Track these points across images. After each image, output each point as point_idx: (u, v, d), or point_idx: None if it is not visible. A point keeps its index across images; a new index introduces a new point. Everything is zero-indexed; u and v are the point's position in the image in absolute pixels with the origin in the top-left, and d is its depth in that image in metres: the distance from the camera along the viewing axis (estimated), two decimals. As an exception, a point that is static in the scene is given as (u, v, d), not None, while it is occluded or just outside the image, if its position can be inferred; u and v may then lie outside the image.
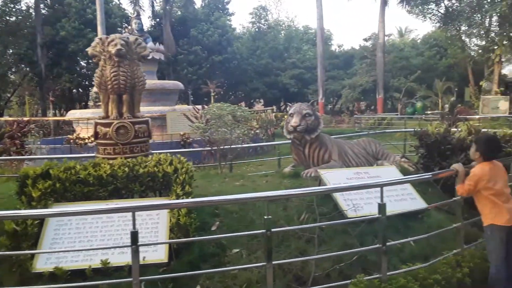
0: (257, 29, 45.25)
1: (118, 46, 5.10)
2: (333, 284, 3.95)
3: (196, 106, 9.77)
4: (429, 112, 26.43)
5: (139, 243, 3.34)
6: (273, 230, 3.65)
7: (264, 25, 45.67)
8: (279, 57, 41.44)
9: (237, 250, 4.37)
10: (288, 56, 41.51)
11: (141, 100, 5.68)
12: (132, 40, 5.34)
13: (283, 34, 45.37)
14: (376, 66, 34.52)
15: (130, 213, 3.36)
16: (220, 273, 4.00)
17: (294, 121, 6.03)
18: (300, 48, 42.44)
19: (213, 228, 4.55)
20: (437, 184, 6.29)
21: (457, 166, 4.51)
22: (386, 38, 37.99)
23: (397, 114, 27.04)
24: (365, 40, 41.68)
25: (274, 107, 32.02)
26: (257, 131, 14.95)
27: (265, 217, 3.54)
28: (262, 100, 43.86)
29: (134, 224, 3.31)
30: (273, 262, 3.67)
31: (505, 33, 33.46)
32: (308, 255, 4.25)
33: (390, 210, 4.81)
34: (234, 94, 42.54)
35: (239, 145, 8.05)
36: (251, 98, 42.69)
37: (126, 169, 4.59)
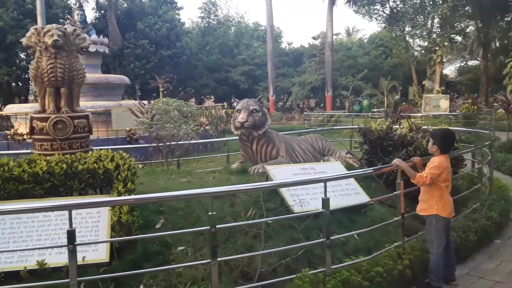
0: (206, 24, 44.88)
1: (55, 37, 4.83)
2: (279, 279, 3.96)
3: (142, 101, 9.52)
4: (375, 110, 27.27)
5: (76, 243, 3.18)
6: (217, 226, 3.59)
7: (213, 20, 45.41)
8: (229, 53, 41.30)
9: (183, 247, 4.28)
10: (239, 52, 41.45)
11: (80, 93, 5.43)
12: (70, 31, 5.08)
13: (233, 30, 45.29)
14: (325, 64, 35.22)
15: (67, 212, 3.18)
16: (164, 272, 3.90)
17: (241, 117, 5.99)
18: (250, 45, 42.54)
19: (158, 226, 4.43)
20: (380, 179, 6.47)
21: (397, 162, 4.67)
22: (334, 37, 38.82)
23: (345, 112, 27.69)
24: (314, 38, 42.47)
25: (225, 104, 31.94)
26: (207, 127, 14.81)
27: (210, 213, 3.48)
28: (212, 97, 43.59)
29: (70, 223, 3.15)
30: (218, 259, 3.62)
31: (446, 35, 35.10)
32: (255, 251, 4.23)
33: (336, 204, 4.91)
34: (184, 90, 41.95)
35: (187, 142, 7.91)
36: (201, 94, 42.31)
37: (64, 165, 4.37)
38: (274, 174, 5.24)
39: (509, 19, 34.20)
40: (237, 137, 6.45)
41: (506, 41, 37.04)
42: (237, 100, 6.43)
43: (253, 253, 4.11)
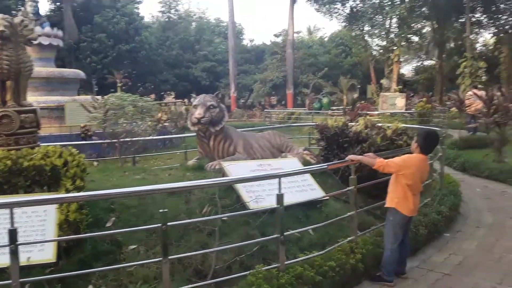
0: (167, 19, 44.05)
1: (1, 28, 4.60)
2: (233, 275, 3.94)
3: (96, 96, 9.23)
4: (334, 107, 27.69)
5: (18, 242, 3.03)
6: (169, 223, 3.52)
7: (174, 15, 44.61)
8: (190, 49, 40.78)
9: (134, 246, 4.18)
10: (200, 48, 41.00)
11: (33, 88, 5.22)
12: (17, 21, 4.84)
13: (194, 26, 44.69)
14: (286, 62, 35.47)
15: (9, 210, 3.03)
16: (114, 271, 3.80)
17: (198, 112, 5.92)
18: (211, 41, 42.18)
19: (108, 224, 4.31)
20: (336, 175, 6.56)
21: (352, 157, 4.75)
22: (295, 35, 39.16)
23: (305, 109, 27.95)
24: (276, 36, 42.63)
25: (186, 100, 31.52)
26: (166, 124, 14.59)
27: (161, 210, 3.40)
28: (173, 93, 42.96)
29: (12, 222, 3.01)
30: (170, 257, 3.55)
31: (403, 35, 36.10)
32: (210, 248, 4.19)
33: (291, 200, 4.94)
34: (143, 85, 41.03)
35: (142, 138, 7.74)
36: (161, 90, 41.59)
37: (9, 162, 4.16)
38: (230, 171, 5.21)
39: (463, 20, 35.51)
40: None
41: (460, 42, 38.47)
42: (194, 95, 6.35)
43: (206, 250, 4.07)
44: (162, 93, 42.19)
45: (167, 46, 39.72)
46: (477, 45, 41.57)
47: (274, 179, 4.21)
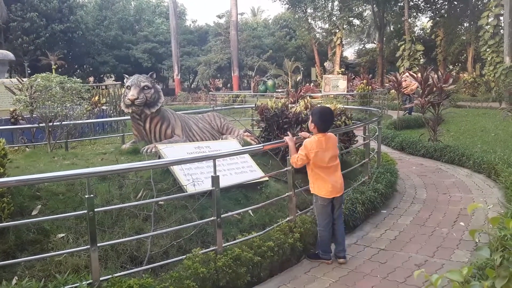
0: (103, -3, 42.22)
1: None
2: (169, 260, 3.82)
3: (22, 78, 8.58)
4: (279, 90, 27.83)
5: None
6: (97, 209, 3.34)
7: (111, -7, 42.79)
8: (129, 29, 39.37)
9: (63, 235, 3.94)
10: (140, 28, 39.67)
11: None
12: None
13: (133, 5, 43.02)
14: (230, 43, 35.13)
15: None
16: (42, 261, 3.58)
17: (132, 94, 5.65)
18: (152, 21, 40.89)
19: (34, 213, 4.03)
20: (276, 156, 6.55)
21: (287, 139, 4.68)
22: (239, 16, 38.81)
23: (250, 92, 27.92)
24: (219, 17, 42.06)
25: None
26: (104, 107, 13.99)
27: (86, 196, 3.20)
28: (113, 75, 41.39)
29: None
30: (99, 244, 3.38)
31: (345, 18, 36.77)
32: (146, 233, 4.04)
33: (231, 182, 4.86)
34: (80, 67, 39.27)
35: (73, 122, 7.33)
36: (100, 73, 39.92)
37: None
38: (166, 154, 5.04)
39: (401, 4, 36.63)
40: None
41: (399, 25, 39.80)
42: (127, 76, 6.05)
43: (140, 235, 3.91)
44: (102, 75, 40.50)
45: (105, 26, 38.08)
46: (415, 28, 43.27)
47: (211, 161, 4.08)
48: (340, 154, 5.73)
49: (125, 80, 5.97)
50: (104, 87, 16.53)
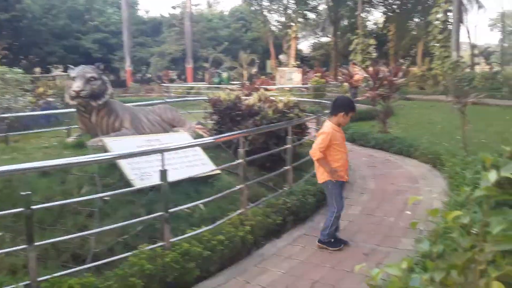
0: (51, -14, 40.34)
1: None
2: (114, 258, 3.68)
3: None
4: (234, 82, 27.72)
5: None
6: (35, 207, 3.16)
7: (59, -18, 40.95)
8: (79, 18, 37.76)
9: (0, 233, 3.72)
10: (90, 18, 38.18)
11: None
12: None
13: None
14: (185, 35, 34.56)
15: None
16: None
17: (77, 85, 5.40)
18: (103, 11, 39.43)
19: (-33, 211, 3.76)
20: (229, 149, 6.49)
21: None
22: (194, 7, 38.35)
23: (205, 84, 27.64)
24: (173, 7, 41.39)
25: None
26: (50, 99, 13.40)
27: (22, 193, 3.01)
28: (61, 66, 39.67)
29: None
30: (38, 243, 3.20)
31: (300, 11, 37.11)
32: (90, 230, 3.87)
33: (182, 176, 4.75)
34: (26, 58, 37.38)
35: (10, 114, 6.95)
36: (48, 63, 38.15)
37: None
38: (112, 147, 4.85)
39: (355, -1, 37.40)
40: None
41: (352, 20, 40.59)
42: (72, 67, 5.77)
43: (83, 232, 3.73)
44: (49, 66, 38.75)
45: (53, 15, 36.37)
46: (368, 23, 44.27)
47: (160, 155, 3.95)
48: (293, 146, 5.75)
49: (69, 71, 5.70)
50: (51, 78, 15.82)
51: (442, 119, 13.02)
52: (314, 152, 4.43)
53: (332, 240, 4.53)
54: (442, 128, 11.52)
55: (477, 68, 38.23)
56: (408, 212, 5.54)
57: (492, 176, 1.57)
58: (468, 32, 36.12)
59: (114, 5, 40.25)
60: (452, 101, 8.10)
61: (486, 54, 50.82)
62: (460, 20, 26.40)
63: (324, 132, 4.46)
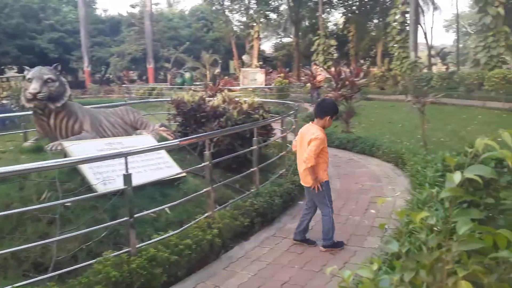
0: (3, -17, 38.72)
1: None
2: (78, 265, 3.56)
3: None
4: (197, 83, 27.52)
5: None
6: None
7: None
8: (34, 17, 36.39)
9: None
10: (45, 17, 36.86)
11: None
12: None
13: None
14: (145, 34, 34.03)
15: None
16: None
17: (33, 87, 5.18)
18: (59, 9, 38.18)
19: None
20: (194, 151, 6.41)
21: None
22: (154, 6, 37.75)
23: (167, 85, 27.29)
24: (132, 6, 40.53)
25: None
26: (4, 101, 12.86)
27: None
28: (15, 67, 38.10)
29: None
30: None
31: (261, 11, 37.24)
32: (51, 238, 3.72)
33: (146, 179, 4.65)
34: (-23, 58, 35.73)
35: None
36: (1, 64, 36.59)
37: None
38: (73, 152, 4.69)
39: (316, 0, 37.90)
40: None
41: (313, 21, 41.15)
42: (27, 68, 5.55)
43: (45, 240, 3.58)
44: (3, 66, 37.16)
45: (6, 14, 34.91)
46: (329, 24, 45.01)
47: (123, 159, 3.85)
48: (259, 148, 5.74)
49: (25, 72, 5.47)
50: (5, 80, 15.17)
51: (402, 118, 13.40)
52: (310, 159, 4.29)
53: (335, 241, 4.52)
54: (402, 127, 11.85)
55: (434, 69, 39.66)
56: (373, 211, 5.65)
57: (457, 177, 1.61)
58: (425, 33, 37.26)
59: (70, 4, 39.08)
60: (412, 101, 8.33)
61: (442, 54, 52.82)
62: (417, 22, 27.27)
63: (317, 138, 4.34)
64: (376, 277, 1.50)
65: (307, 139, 4.39)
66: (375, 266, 1.50)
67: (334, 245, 4.51)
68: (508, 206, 4.06)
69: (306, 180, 4.54)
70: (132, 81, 34.81)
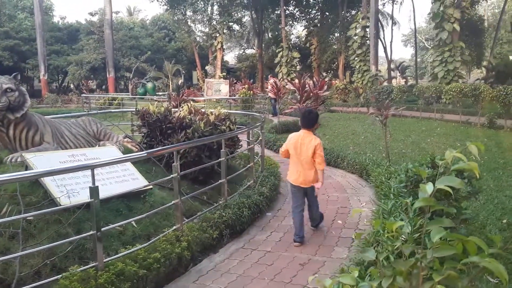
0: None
1: None
2: (42, 282, 3.43)
3: None
4: (160, 93, 27.24)
5: None
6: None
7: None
8: (-13, 24, 35.17)
9: None
10: (0, 24, 35.62)
11: None
12: None
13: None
14: (105, 43, 33.38)
15: None
16: None
17: (-8, 97, 4.98)
18: (14, 16, 36.92)
19: None
20: (160, 163, 6.34)
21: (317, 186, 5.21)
22: (114, 15, 37.13)
23: (128, 94, 26.84)
24: (91, 14, 39.75)
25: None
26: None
27: None
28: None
29: None
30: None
31: (225, 22, 37.38)
32: (13, 253, 3.57)
33: (110, 192, 4.55)
34: None
35: None
36: (-49, 73, 34.92)
37: None
38: (34, 163, 4.53)
39: (278, 12, 38.45)
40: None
41: (276, 33, 41.71)
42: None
43: (6, 256, 3.43)
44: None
45: (-42, 20, 33.51)
46: (292, 36, 45.75)
47: (89, 171, 3.75)
48: (226, 159, 5.74)
49: (-17, 82, 5.24)
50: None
51: (365, 130, 13.72)
52: (323, 163, 5.04)
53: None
54: (365, 138, 12.13)
55: (394, 82, 40.96)
56: (339, 222, 5.74)
57: (429, 188, 1.69)
58: (385, 47, 38.42)
59: (25, 10, 37.87)
60: (374, 113, 8.56)
61: (401, 68, 54.75)
62: (377, 36, 28.12)
63: (320, 143, 5.01)
64: (356, 284, 1.54)
65: (310, 146, 4.95)
66: (356, 273, 1.54)
67: (321, 218, 5.50)
68: (468, 216, 4.25)
69: (308, 181, 5.06)
70: (92, 91, 34.03)
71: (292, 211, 5.21)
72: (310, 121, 5.09)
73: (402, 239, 1.96)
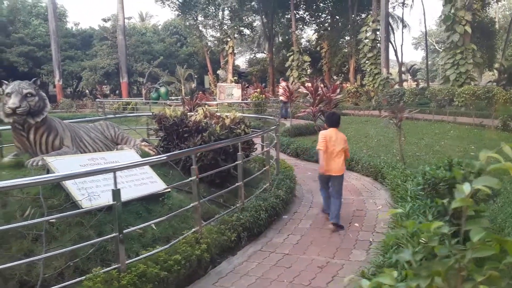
0: (-29, -4, 37.76)
1: None
2: (66, 283, 3.45)
3: None
4: (173, 97, 27.40)
5: None
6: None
7: (-19, -8, 38.42)
8: (2, 30, 35.53)
9: None
10: (14, 30, 36.06)
11: None
12: None
13: (6, 5, 38.97)
14: (118, 48, 33.69)
15: None
16: None
17: (13, 102, 5.04)
18: (29, 23, 37.36)
19: None
20: (177, 166, 6.36)
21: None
22: (126, 21, 37.47)
23: (142, 99, 27.04)
24: (105, 20, 40.13)
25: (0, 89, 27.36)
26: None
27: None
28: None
29: None
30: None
31: (235, 27, 37.49)
32: (36, 255, 3.61)
33: (130, 195, 4.59)
34: None
35: None
36: (-32, 78, 35.46)
37: None
38: (55, 167, 4.57)
39: (289, 16, 38.45)
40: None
41: (287, 37, 41.68)
42: (6, 82, 5.41)
43: (30, 258, 3.46)
44: (-30, 81, 35.99)
45: (-27, 27, 34.00)
46: (302, 40, 45.69)
47: (109, 174, 3.78)
48: (242, 162, 5.74)
49: (4, 87, 5.32)
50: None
51: (377, 133, 13.64)
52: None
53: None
54: (378, 141, 12.05)
55: (405, 85, 40.69)
56: (356, 224, 5.71)
57: (467, 188, 1.67)
58: (395, 50, 38.20)
59: (40, 17, 38.31)
60: (388, 116, 8.51)
61: (412, 71, 54.40)
62: (388, 39, 27.99)
63: (345, 137, 5.95)
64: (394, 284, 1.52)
65: (343, 139, 5.84)
66: (394, 274, 1.52)
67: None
68: (486, 218, 4.20)
69: (340, 169, 5.78)
70: (106, 96, 34.34)
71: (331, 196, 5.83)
72: (334, 121, 5.94)
73: (423, 241, 1.94)
